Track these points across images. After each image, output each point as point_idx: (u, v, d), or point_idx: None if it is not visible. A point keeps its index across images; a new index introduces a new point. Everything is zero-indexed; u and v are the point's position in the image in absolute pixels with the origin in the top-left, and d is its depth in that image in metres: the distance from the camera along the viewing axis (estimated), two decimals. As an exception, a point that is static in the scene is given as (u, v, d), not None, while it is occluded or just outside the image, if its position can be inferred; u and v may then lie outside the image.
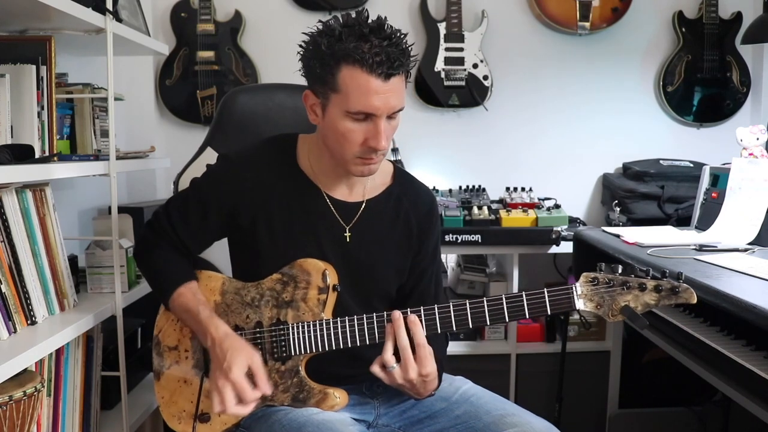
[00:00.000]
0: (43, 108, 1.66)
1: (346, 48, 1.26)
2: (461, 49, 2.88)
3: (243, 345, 1.34)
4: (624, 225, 2.68)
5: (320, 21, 1.33)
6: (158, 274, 1.49)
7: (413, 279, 1.51)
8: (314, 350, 1.37)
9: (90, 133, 2.00)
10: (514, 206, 2.71)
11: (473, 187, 2.88)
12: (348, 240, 1.44)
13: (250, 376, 1.32)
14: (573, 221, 2.72)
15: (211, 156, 1.73)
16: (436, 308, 1.32)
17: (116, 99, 1.88)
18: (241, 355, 1.31)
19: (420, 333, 1.31)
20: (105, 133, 2.04)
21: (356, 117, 1.30)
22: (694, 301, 1.23)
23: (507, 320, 1.32)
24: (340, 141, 1.34)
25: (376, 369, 1.33)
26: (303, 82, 1.40)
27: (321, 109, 1.35)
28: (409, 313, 1.33)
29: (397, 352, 1.32)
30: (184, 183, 1.64)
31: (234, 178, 1.44)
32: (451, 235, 2.55)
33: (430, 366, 1.32)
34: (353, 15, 1.30)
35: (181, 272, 1.46)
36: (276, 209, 1.43)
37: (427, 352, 1.31)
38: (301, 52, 1.35)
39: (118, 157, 1.90)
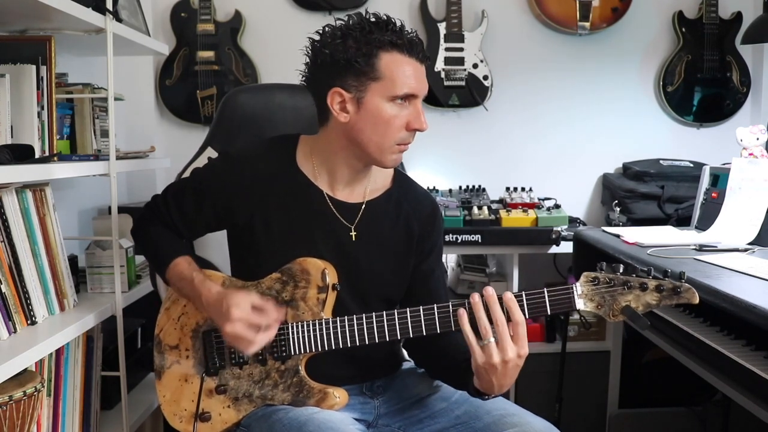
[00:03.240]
0: (43, 108, 1.65)
1: (382, 36, 1.32)
2: (461, 49, 2.88)
3: (235, 291, 1.35)
4: (624, 225, 2.68)
5: (337, 20, 1.37)
6: (155, 247, 1.51)
7: (420, 282, 1.51)
8: (314, 350, 1.37)
9: (90, 133, 2.00)
10: (514, 206, 2.71)
11: (473, 187, 2.88)
12: (354, 239, 1.44)
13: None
14: (573, 221, 2.72)
15: (211, 156, 1.74)
16: (435, 308, 1.30)
17: (116, 99, 1.88)
18: (237, 297, 1.31)
19: (519, 312, 1.23)
20: (105, 133, 2.04)
21: (399, 101, 1.34)
22: (696, 301, 1.21)
23: (508, 320, 1.31)
24: (382, 129, 1.35)
25: (472, 339, 1.24)
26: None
27: (355, 103, 1.35)
28: (408, 312, 1.32)
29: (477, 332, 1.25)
30: (184, 181, 1.64)
31: (232, 174, 1.45)
32: (451, 235, 2.54)
33: (527, 346, 1.24)
34: (364, 14, 1.36)
35: (177, 246, 1.50)
36: (273, 208, 1.44)
37: (525, 330, 1.23)
38: (327, 52, 1.34)
39: (118, 157, 1.90)
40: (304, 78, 1.42)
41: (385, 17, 1.36)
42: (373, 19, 1.34)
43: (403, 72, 1.33)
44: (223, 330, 1.32)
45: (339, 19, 1.37)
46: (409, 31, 1.37)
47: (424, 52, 1.38)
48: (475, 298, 1.25)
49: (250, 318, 1.29)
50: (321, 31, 1.37)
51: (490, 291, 1.25)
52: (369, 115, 1.35)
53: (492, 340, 1.23)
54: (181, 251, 1.47)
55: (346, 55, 1.32)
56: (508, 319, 1.24)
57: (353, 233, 1.44)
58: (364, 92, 1.34)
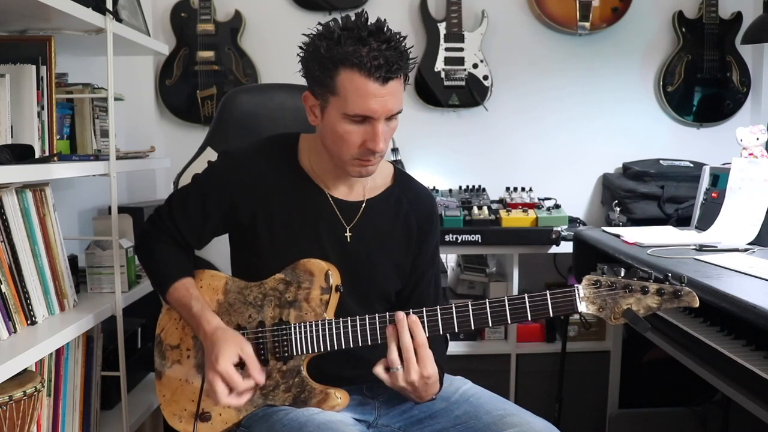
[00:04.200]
0: (43, 108, 1.65)
1: (344, 52, 1.26)
2: (461, 49, 2.88)
3: (232, 336, 1.35)
4: (624, 225, 2.68)
5: (320, 23, 1.33)
6: (156, 269, 1.50)
7: (412, 282, 1.52)
8: (316, 350, 1.37)
9: (90, 133, 2.00)
10: (514, 206, 2.72)
11: (473, 187, 2.88)
12: (349, 240, 1.45)
13: (243, 367, 1.33)
14: (573, 221, 2.72)
15: (211, 156, 1.74)
16: (438, 310, 1.32)
17: (116, 99, 1.88)
18: (229, 345, 1.32)
19: (421, 333, 1.31)
20: (105, 133, 2.04)
21: (354, 119, 1.31)
22: (696, 304, 1.23)
23: (509, 322, 1.32)
24: (338, 143, 1.34)
25: (379, 370, 1.34)
26: (303, 81, 1.40)
27: (320, 110, 1.36)
28: (411, 313, 1.33)
29: (399, 354, 1.32)
30: (185, 183, 1.64)
31: (234, 173, 1.45)
32: (451, 235, 2.55)
33: (431, 367, 1.32)
34: (352, 17, 1.30)
35: (178, 268, 1.47)
36: (276, 206, 1.44)
37: (428, 353, 1.31)
38: (301, 54, 1.35)
39: (118, 157, 1.90)
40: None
41: (358, 25, 1.27)
42: (347, 26, 1.28)
43: (357, 93, 1.27)
44: (206, 371, 1.35)
45: (320, 23, 1.32)
46: (390, 42, 1.26)
47: (392, 72, 1.27)
48: (390, 329, 1.32)
49: (230, 376, 1.31)
50: (311, 30, 1.34)
51: (400, 316, 1.32)
52: (327, 125, 1.35)
53: (399, 368, 1.31)
54: (181, 274, 1.45)
55: (310, 65, 1.32)
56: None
57: (348, 234, 1.45)
58: (325, 103, 1.33)
